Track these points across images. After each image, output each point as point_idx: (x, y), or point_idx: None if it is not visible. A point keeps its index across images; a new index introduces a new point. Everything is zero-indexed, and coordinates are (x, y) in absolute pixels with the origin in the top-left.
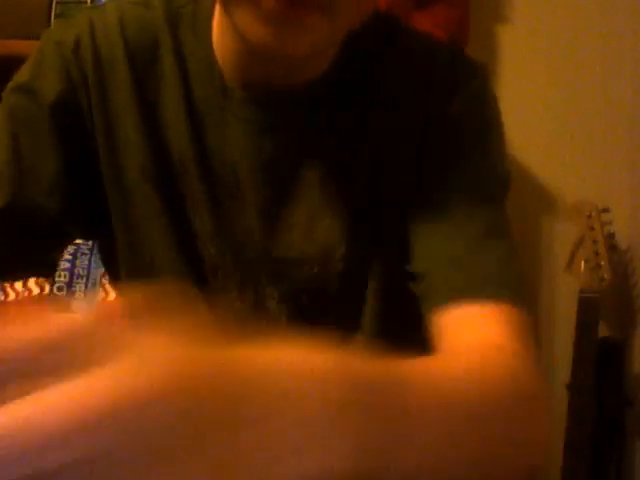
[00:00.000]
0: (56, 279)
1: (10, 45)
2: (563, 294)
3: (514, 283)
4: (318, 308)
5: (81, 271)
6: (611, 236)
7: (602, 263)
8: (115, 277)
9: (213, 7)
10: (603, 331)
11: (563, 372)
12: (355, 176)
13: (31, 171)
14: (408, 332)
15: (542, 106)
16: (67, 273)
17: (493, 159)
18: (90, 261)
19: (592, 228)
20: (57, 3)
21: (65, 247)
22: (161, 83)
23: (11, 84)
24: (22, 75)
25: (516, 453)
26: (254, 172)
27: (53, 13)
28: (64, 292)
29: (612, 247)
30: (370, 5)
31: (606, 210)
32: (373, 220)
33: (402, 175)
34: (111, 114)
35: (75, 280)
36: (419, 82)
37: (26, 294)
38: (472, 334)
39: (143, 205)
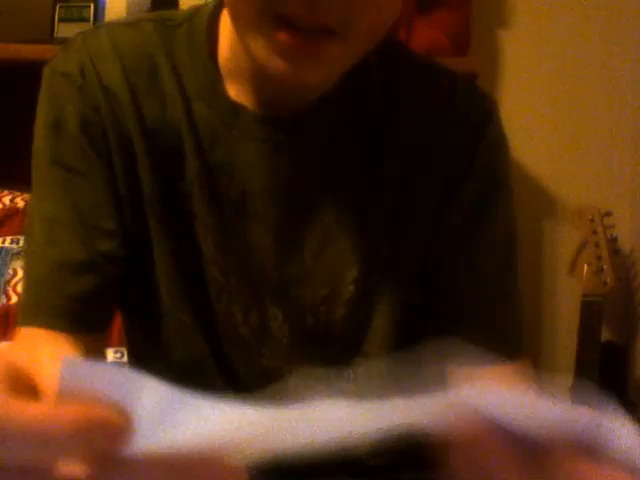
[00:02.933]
0: None
1: (13, 49)
2: (566, 298)
3: (521, 333)
4: (322, 330)
5: None
6: (614, 240)
7: (605, 267)
8: (123, 304)
9: (211, 25)
10: (606, 335)
11: (566, 376)
12: (372, 198)
13: (90, 222)
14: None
15: (544, 110)
16: None
17: (512, 206)
18: None
19: (595, 232)
20: (60, 7)
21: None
22: (164, 104)
23: (38, 127)
24: (44, 115)
25: None
26: (267, 191)
27: (57, 17)
28: None
29: (615, 251)
30: (383, 28)
31: (609, 214)
32: (389, 246)
33: (420, 204)
34: (123, 141)
35: None
36: (436, 111)
37: None
38: None
39: (148, 230)
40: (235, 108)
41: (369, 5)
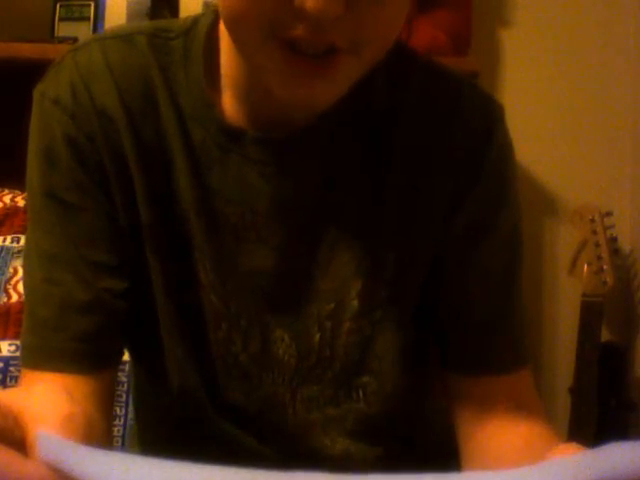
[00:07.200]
0: None
1: (13, 48)
2: (566, 298)
3: (525, 342)
4: (329, 347)
5: None
6: (614, 240)
7: (605, 267)
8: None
9: (211, 38)
10: (606, 335)
11: (566, 376)
12: (375, 206)
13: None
14: (414, 377)
15: (545, 110)
16: None
17: (518, 212)
18: None
19: (595, 232)
20: (61, 6)
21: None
22: (159, 125)
23: (31, 156)
24: (35, 143)
25: None
26: (271, 213)
27: (57, 16)
28: None
29: (615, 251)
30: (394, 36)
31: (609, 214)
32: (393, 260)
33: (424, 210)
34: (121, 167)
35: None
36: (440, 112)
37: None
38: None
39: (146, 261)
40: (233, 132)
41: (378, 20)
